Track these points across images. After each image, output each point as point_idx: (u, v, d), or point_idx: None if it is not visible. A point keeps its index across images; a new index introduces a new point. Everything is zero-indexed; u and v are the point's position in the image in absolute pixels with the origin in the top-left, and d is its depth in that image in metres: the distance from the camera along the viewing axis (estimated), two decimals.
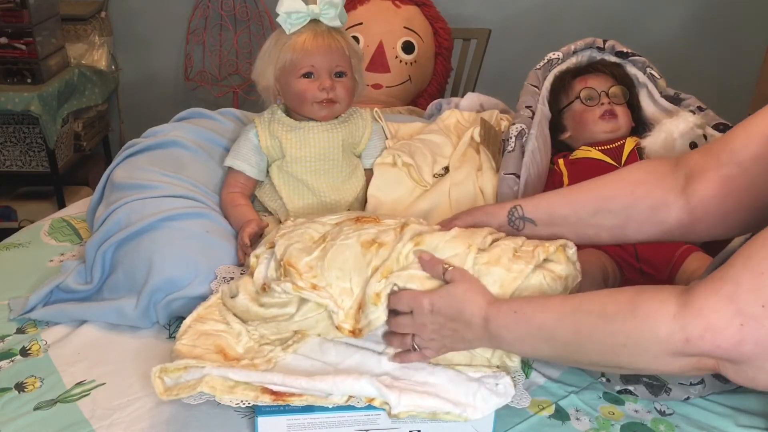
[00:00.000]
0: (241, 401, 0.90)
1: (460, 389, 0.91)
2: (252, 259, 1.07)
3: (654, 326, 0.74)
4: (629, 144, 1.39)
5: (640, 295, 0.78)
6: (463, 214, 1.12)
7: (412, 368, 0.94)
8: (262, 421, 0.91)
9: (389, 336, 0.98)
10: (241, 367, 0.92)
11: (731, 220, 0.95)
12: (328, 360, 0.96)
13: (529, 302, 0.89)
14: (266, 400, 0.89)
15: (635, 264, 1.31)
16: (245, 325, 1.01)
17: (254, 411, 0.92)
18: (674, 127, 1.32)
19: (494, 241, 1.00)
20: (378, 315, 0.95)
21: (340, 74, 1.34)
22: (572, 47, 1.53)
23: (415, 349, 0.95)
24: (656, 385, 1.03)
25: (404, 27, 2.04)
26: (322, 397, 0.90)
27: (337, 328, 0.97)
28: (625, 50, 1.51)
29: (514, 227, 1.07)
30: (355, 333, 0.96)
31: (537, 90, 1.48)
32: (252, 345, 0.99)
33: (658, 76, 1.49)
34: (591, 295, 0.84)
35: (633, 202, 0.99)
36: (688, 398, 1.04)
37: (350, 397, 0.90)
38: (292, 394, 0.89)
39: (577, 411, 1.02)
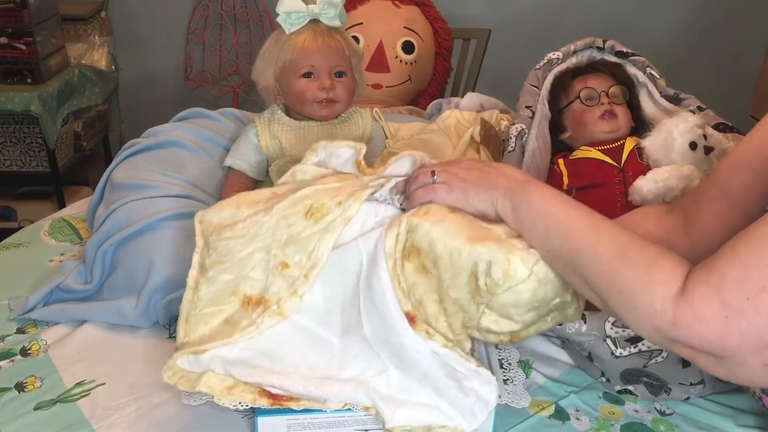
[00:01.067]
0: (239, 403, 0.89)
1: (457, 403, 0.90)
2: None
3: (653, 295, 0.73)
4: (629, 144, 1.39)
5: (662, 257, 0.76)
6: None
7: (407, 387, 0.91)
8: (262, 421, 0.91)
9: (408, 182, 0.95)
10: (243, 329, 0.91)
11: None
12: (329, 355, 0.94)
13: (572, 200, 0.86)
14: (264, 402, 0.88)
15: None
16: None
17: (254, 411, 0.92)
18: (674, 127, 1.32)
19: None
20: None
21: (340, 74, 1.34)
22: (572, 47, 1.53)
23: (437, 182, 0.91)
24: (656, 385, 1.03)
25: (404, 27, 2.04)
26: (319, 402, 0.89)
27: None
28: (624, 50, 1.51)
29: None
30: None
31: (537, 90, 1.48)
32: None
33: (658, 76, 1.49)
34: (628, 231, 0.82)
35: None
36: (688, 398, 1.04)
37: (346, 404, 0.90)
38: (290, 398, 0.89)
39: (577, 411, 1.02)
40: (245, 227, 0.94)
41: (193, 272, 0.95)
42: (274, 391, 0.89)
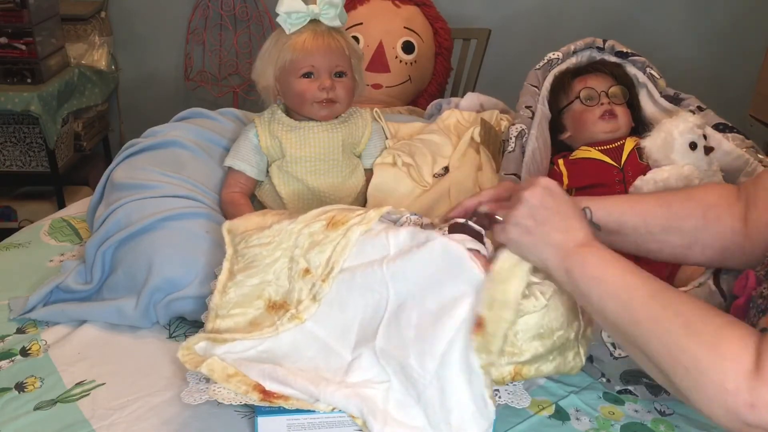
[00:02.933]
0: (234, 394, 0.90)
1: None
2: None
3: (724, 373, 0.67)
4: (629, 144, 1.39)
5: (728, 328, 0.70)
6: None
7: (405, 403, 0.91)
8: (262, 421, 0.91)
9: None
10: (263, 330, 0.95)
11: None
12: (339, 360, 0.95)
13: (633, 264, 0.82)
14: (255, 397, 0.89)
15: (635, 263, 1.30)
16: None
17: (254, 411, 0.92)
18: (674, 127, 1.32)
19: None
20: None
21: (340, 74, 1.34)
22: (572, 47, 1.53)
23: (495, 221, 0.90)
24: (656, 385, 1.03)
25: (404, 27, 2.04)
26: (308, 403, 0.90)
27: None
28: (624, 50, 1.51)
29: None
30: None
31: (537, 90, 1.48)
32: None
33: (658, 76, 1.49)
34: (691, 299, 0.77)
35: (704, 224, 0.97)
36: None
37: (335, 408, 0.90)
38: (280, 396, 0.90)
39: (577, 411, 1.02)
40: (271, 234, 1.00)
41: (222, 277, 1.00)
42: (268, 387, 0.90)
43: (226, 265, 1.02)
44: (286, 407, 0.90)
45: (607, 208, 0.98)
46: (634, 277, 0.79)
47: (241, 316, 0.99)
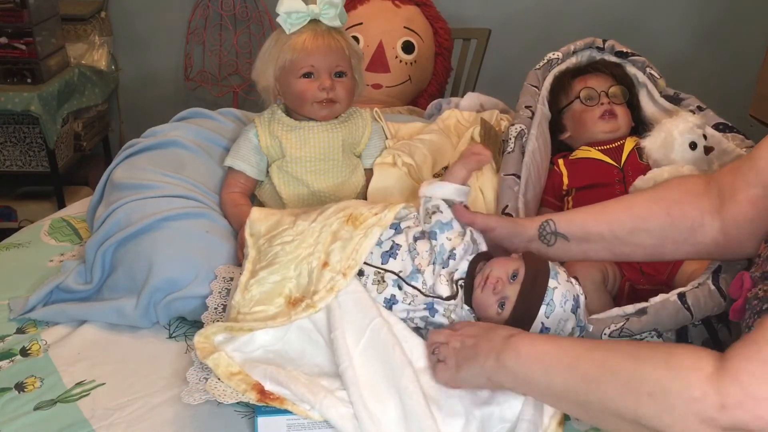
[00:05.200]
0: (231, 390, 0.91)
1: None
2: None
3: (688, 382, 0.67)
4: (629, 144, 1.39)
5: (676, 347, 0.74)
6: (493, 218, 1.11)
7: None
8: (262, 421, 0.91)
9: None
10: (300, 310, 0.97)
11: (761, 240, 0.93)
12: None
13: (556, 335, 0.87)
14: (252, 396, 0.90)
15: (635, 264, 1.31)
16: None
17: (254, 411, 0.92)
18: (674, 127, 1.32)
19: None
20: None
21: (340, 74, 1.34)
22: (572, 47, 1.53)
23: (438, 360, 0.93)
24: None
25: (404, 27, 2.04)
26: (303, 410, 0.90)
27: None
28: (624, 50, 1.52)
29: (544, 242, 1.05)
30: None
31: (537, 90, 1.48)
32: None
33: (658, 76, 1.49)
34: (627, 340, 0.81)
35: (670, 222, 0.98)
36: None
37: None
38: (277, 398, 0.90)
39: None
40: (293, 233, 1.05)
41: (243, 278, 1.02)
42: (267, 387, 0.90)
43: (248, 266, 1.04)
44: (280, 409, 0.90)
45: (569, 219, 1.04)
46: (567, 341, 0.83)
47: (261, 314, 1.00)
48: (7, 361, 1.09)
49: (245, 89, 2.88)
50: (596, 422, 0.79)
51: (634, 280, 1.30)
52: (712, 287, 1.05)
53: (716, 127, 1.37)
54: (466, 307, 1.01)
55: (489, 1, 2.80)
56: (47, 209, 2.44)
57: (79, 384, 1.04)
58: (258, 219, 1.13)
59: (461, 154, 1.12)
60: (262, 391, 0.90)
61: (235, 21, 2.87)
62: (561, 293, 0.96)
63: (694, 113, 1.40)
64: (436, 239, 1.03)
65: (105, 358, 1.10)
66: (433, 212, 1.06)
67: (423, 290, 1.00)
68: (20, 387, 1.03)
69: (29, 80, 2.43)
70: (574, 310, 0.97)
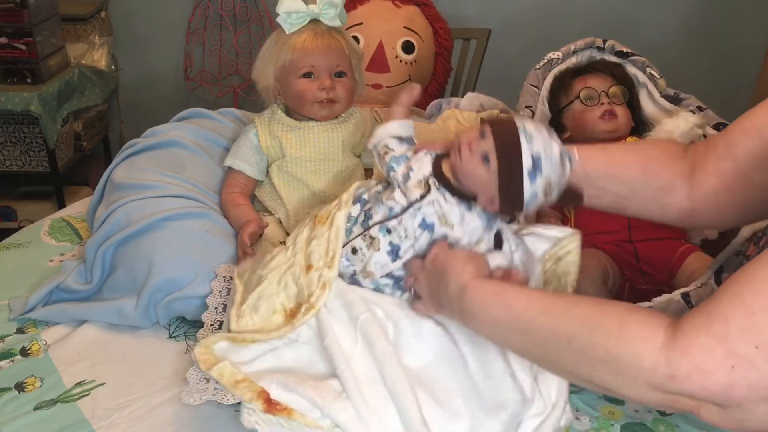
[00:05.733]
0: (237, 400, 0.91)
1: None
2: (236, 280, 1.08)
3: (639, 353, 0.69)
4: None
5: (630, 314, 0.73)
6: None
7: None
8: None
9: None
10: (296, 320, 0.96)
11: (726, 214, 0.94)
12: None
13: (513, 288, 0.84)
14: (259, 406, 0.88)
15: (635, 264, 1.31)
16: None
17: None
18: (674, 127, 1.32)
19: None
20: None
21: (340, 74, 1.34)
22: (572, 47, 1.53)
23: (416, 295, 0.95)
24: None
25: (404, 27, 2.04)
26: (312, 420, 0.89)
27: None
28: (624, 50, 1.52)
29: None
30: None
31: (537, 90, 1.48)
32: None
33: (658, 76, 1.49)
34: (580, 299, 0.79)
35: (643, 177, 0.98)
36: None
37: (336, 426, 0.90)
38: (284, 408, 0.89)
39: (577, 411, 1.02)
40: (271, 257, 1.04)
41: (232, 311, 1.00)
42: (273, 394, 0.89)
43: (237, 297, 1.03)
44: (284, 422, 0.89)
45: None
46: (519, 303, 0.81)
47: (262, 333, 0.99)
48: (7, 361, 1.09)
49: (245, 89, 2.88)
50: (557, 375, 0.83)
51: (634, 279, 1.30)
52: (716, 287, 1.05)
53: (716, 127, 1.37)
54: (451, 198, 0.96)
55: (489, 1, 2.80)
56: (47, 209, 2.44)
57: (79, 384, 1.04)
58: (245, 262, 1.14)
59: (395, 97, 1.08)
60: (268, 401, 0.88)
61: (235, 21, 2.87)
62: (533, 126, 0.91)
63: (694, 113, 1.40)
64: (394, 171, 1.00)
65: (105, 358, 1.10)
66: (385, 153, 1.03)
67: (402, 211, 0.98)
68: (20, 387, 1.03)
69: (29, 80, 2.43)
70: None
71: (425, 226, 0.96)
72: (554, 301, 0.80)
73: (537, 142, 0.89)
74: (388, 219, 0.98)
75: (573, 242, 1.06)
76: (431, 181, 0.97)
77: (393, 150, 1.03)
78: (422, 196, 0.96)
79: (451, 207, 0.95)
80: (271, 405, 0.88)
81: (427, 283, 0.92)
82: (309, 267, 0.99)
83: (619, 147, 1.05)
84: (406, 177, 0.99)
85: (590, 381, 0.76)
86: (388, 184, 1.03)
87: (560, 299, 0.81)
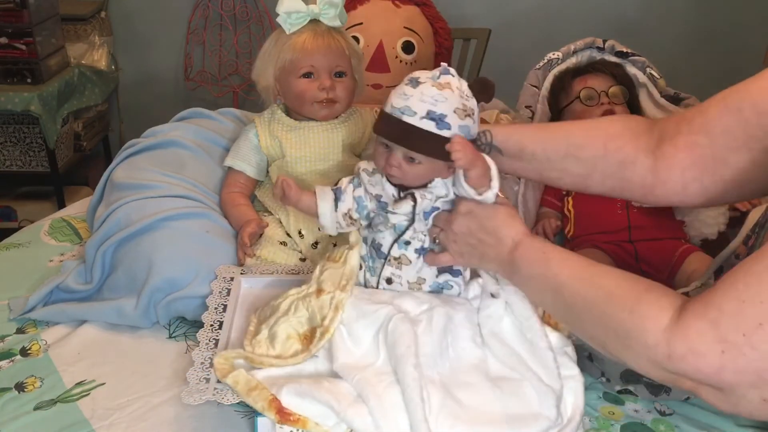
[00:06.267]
0: (233, 395, 0.91)
1: None
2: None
3: (645, 331, 0.74)
4: None
5: (647, 292, 0.77)
6: None
7: None
8: (262, 421, 0.91)
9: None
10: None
11: (690, 190, 0.93)
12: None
13: (558, 251, 0.89)
14: (271, 415, 0.88)
15: (635, 264, 1.31)
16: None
17: (254, 411, 0.92)
18: None
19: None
20: None
21: (340, 74, 1.34)
22: (572, 47, 1.53)
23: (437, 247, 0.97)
24: (656, 384, 1.03)
25: (404, 27, 2.04)
26: (326, 428, 0.89)
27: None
28: (624, 50, 1.51)
29: (481, 150, 1.03)
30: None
31: (537, 90, 1.48)
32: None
33: (658, 76, 1.49)
34: (610, 270, 0.84)
35: (604, 154, 0.98)
36: (688, 398, 1.04)
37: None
38: (297, 420, 0.88)
39: None
40: (286, 293, 1.03)
41: (245, 342, 0.99)
42: (285, 402, 0.88)
43: (250, 328, 1.03)
44: (297, 429, 0.88)
45: (507, 134, 1.03)
46: (558, 265, 0.86)
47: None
48: (7, 361, 1.09)
49: (245, 89, 2.88)
50: (588, 342, 0.87)
51: None
52: None
53: None
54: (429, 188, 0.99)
55: (489, 1, 2.80)
56: (47, 209, 2.44)
57: (79, 384, 1.04)
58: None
59: None
60: (280, 410, 0.87)
61: (235, 21, 2.87)
62: (395, 98, 0.96)
63: None
64: (376, 209, 1.03)
65: (105, 358, 1.10)
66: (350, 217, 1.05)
67: (409, 222, 1.00)
68: (20, 387, 1.03)
69: (29, 80, 2.43)
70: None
71: (432, 212, 0.99)
72: (587, 268, 0.85)
73: (414, 103, 0.93)
74: (401, 235, 1.00)
75: None
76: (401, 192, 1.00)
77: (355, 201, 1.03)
78: (413, 200, 0.98)
79: (437, 188, 0.98)
80: (284, 415, 0.87)
81: (461, 236, 0.93)
82: (320, 291, 0.99)
83: (581, 126, 1.04)
84: (382, 201, 1.00)
85: (605, 348, 0.81)
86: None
87: (593, 267, 0.85)
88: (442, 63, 0.98)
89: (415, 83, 0.95)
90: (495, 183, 0.95)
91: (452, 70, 0.97)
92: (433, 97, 0.93)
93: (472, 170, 0.93)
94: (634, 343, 0.75)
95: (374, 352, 0.94)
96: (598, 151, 0.98)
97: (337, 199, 1.02)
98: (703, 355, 0.70)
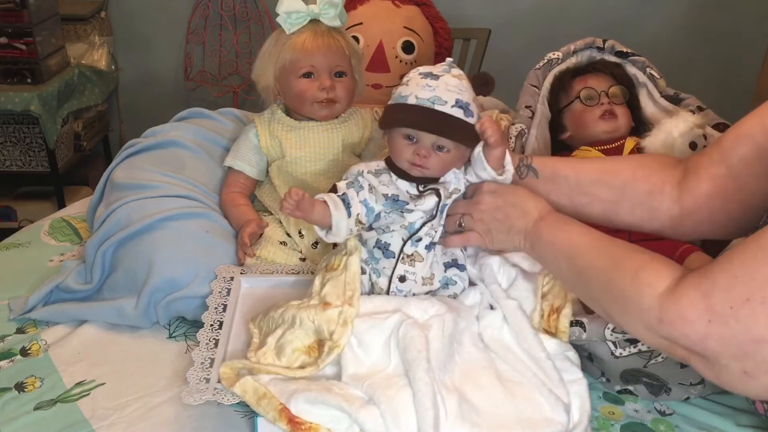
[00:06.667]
0: (232, 395, 0.92)
1: None
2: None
3: (641, 295, 0.78)
4: (629, 144, 1.39)
5: (652, 262, 0.81)
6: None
7: None
8: (262, 421, 0.91)
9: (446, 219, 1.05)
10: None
11: (718, 220, 0.98)
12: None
13: (579, 224, 0.95)
14: (282, 425, 0.87)
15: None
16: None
17: (254, 411, 0.92)
18: (674, 127, 1.32)
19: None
20: None
21: (339, 74, 1.34)
22: (572, 47, 1.53)
23: (461, 230, 1.02)
24: (656, 385, 1.03)
25: (404, 27, 2.04)
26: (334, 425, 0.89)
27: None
28: (624, 50, 1.51)
29: (518, 173, 1.10)
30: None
31: (537, 90, 1.48)
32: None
33: (658, 76, 1.49)
34: (623, 243, 0.89)
35: (632, 181, 1.03)
36: (688, 398, 1.04)
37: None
38: (309, 427, 0.87)
39: None
40: (287, 306, 1.03)
41: (250, 355, 0.99)
42: (294, 410, 0.88)
43: (255, 340, 1.03)
44: None
45: (543, 159, 1.11)
46: (578, 236, 0.92)
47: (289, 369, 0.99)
48: (7, 361, 1.09)
49: (245, 89, 2.88)
50: (595, 309, 0.91)
51: None
52: None
53: (716, 127, 1.37)
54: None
55: (489, 1, 2.80)
56: (47, 209, 2.44)
57: (79, 384, 1.04)
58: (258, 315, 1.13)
59: None
60: (291, 420, 0.87)
61: (235, 21, 2.87)
62: (409, 89, 1.01)
63: (694, 113, 1.40)
64: (393, 207, 1.05)
65: (105, 358, 1.10)
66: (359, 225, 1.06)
67: (431, 217, 1.03)
68: (20, 387, 1.04)
69: (29, 80, 2.44)
70: None
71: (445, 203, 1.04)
72: (602, 238, 0.91)
73: (442, 92, 0.99)
74: (416, 232, 1.02)
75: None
76: (421, 186, 1.03)
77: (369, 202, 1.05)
78: (438, 196, 1.02)
79: (452, 182, 1.04)
80: (295, 425, 0.87)
81: (489, 212, 1.01)
82: (327, 304, 0.99)
83: (612, 158, 1.13)
84: (400, 201, 1.02)
85: (607, 314, 0.86)
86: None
87: (607, 239, 0.90)
88: (447, 58, 1.04)
89: (434, 76, 1.00)
90: (510, 167, 1.03)
91: (455, 65, 1.03)
92: (457, 87, 1.00)
93: (497, 149, 1.00)
94: (631, 307, 0.80)
95: (385, 359, 0.94)
96: (627, 177, 1.03)
97: (347, 206, 1.03)
98: (691, 322, 0.73)
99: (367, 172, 1.04)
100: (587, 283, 0.89)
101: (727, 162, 0.95)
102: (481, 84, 1.05)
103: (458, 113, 0.99)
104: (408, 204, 1.02)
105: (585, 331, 1.02)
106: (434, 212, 1.02)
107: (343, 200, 1.03)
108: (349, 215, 1.02)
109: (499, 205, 1.00)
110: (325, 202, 1.02)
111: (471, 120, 1.00)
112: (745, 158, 0.92)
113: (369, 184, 1.04)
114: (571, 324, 1.04)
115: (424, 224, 1.02)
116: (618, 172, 1.04)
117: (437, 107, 0.98)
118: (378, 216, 1.04)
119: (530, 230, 0.97)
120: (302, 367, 0.96)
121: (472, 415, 0.89)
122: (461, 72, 1.03)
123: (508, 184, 1.03)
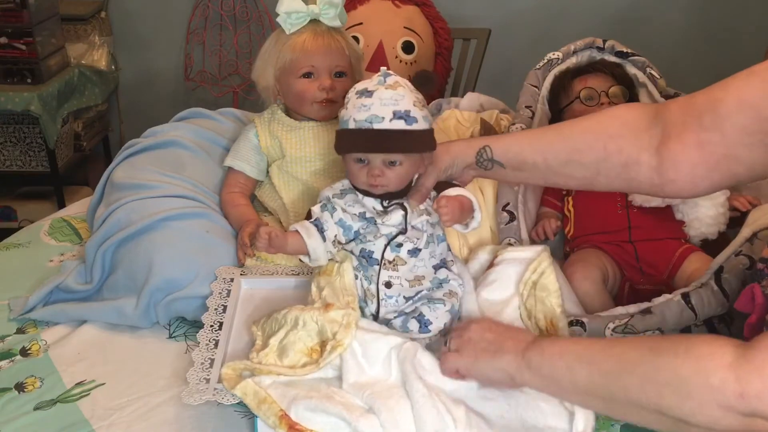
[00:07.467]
0: (232, 395, 0.92)
1: None
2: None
3: (707, 370, 0.67)
4: None
5: (696, 337, 0.72)
6: (431, 167, 1.07)
7: None
8: (262, 421, 0.91)
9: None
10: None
11: (700, 185, 0.90)
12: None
13: (571, 340, 0.90)
14: (283, 431, 0.88)
15: (635, 264, 1.31)
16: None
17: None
18: None
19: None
20: None
21: (339, 74, 1.34)
22: (572, 47, 1.53)
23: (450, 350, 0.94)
24: None
25: (404, 27, 2.04)
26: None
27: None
28: (625, 50, 1.52)
29: (482, 167, 1.05)
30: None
31: (537, 90, 1.48)
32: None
33: (658, 76, 1.49)
34: (644, 337, 0.83)
35: (605, 156, 0.95)
36: None
37: None
38: None
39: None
40: (289, 308, 1.03)
41: (252, 356, 0.99)
42: (294, 416, 0.88)
43: (258, 341, 1.03)
44: None
45: (505, 146, 1.04)
46: (586, 342, 0.83)
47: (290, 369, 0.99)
48: (7, 361, 1.09)
49: (245, 89, 2.88)
50: (623, 416, 0.80)
51: (634, 280, 1.30)
52: (716, 288, 1.05)
53: None
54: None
55: (489, 1, 2.80)
56: (47, 209, 2.44)
57: (79, 384, 1.04)
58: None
59: None
60: (291, 426, 0.87)
61: (235, 21, 2.87)
62: (351, 111, 1.03)
63: None
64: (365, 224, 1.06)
65: (105, 358, 1.10)
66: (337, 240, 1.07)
67: (404, 227, 1.03)
68: (20, 387, 1.03)
69: (29, 80, 2.43)
70: None
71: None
72: (617, 340, 0.81)
73: (377, 109, 0.98)
74: (394, 238, 1.02)
75: (544, 260, 1.08)
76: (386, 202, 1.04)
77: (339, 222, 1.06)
78: (404, 209, 1.02)
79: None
80: (295, 431, 0.87)
81: (481, 334, 0.92)
82: (329, 306, 0.99)
83: (578, 128, 1.01)
84: (369, 217, 1.03)
85: (659, 410, 0.72)
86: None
87: (623, 339, 0.82)
88: (381, 68, 1.03)
89: (368, 93, 0.99)
90: (477, 214, 1.03)
91: (391, 72, 1.01)
92: (392, 98, 0.98)
93: (455, 224, 1.01)
94: (694, 389, 0.67)
95: (386, 371, 0.95)
96: (599, 154, 0.96)
97: (321, 230, 1.04)
98: None
99: (333, 196, 1.06)
100: (620, 384, 0.75)
101: (722, 129, 0.84)
102: (422, 83, 1.02)
103: (399, 125, 0.97)
104: (377, 220, 1.02)
105: (585, 330, 1.02)
106: (403, 226, 1.02)
107: (317, 225, 1.04)
108: (324, 239, 1.04)
109: (487, 327, 0.93)
110: (297, 232, 1.04)
111: (416, 126, 0.98)
112: (745, 128, 0.82)
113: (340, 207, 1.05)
114: (571, 324, 1.04)
115: (398, 234, 1.02)
116: (588, 149, 0.97)
117: (375, 126, 0.97)
118: (357, 231, 1.04)
119: (525, 348, 0.86)
120: (303, 365, 0.96)
121: (481, 423, 0.89)
122: (397, 78, 1.01)
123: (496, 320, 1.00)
